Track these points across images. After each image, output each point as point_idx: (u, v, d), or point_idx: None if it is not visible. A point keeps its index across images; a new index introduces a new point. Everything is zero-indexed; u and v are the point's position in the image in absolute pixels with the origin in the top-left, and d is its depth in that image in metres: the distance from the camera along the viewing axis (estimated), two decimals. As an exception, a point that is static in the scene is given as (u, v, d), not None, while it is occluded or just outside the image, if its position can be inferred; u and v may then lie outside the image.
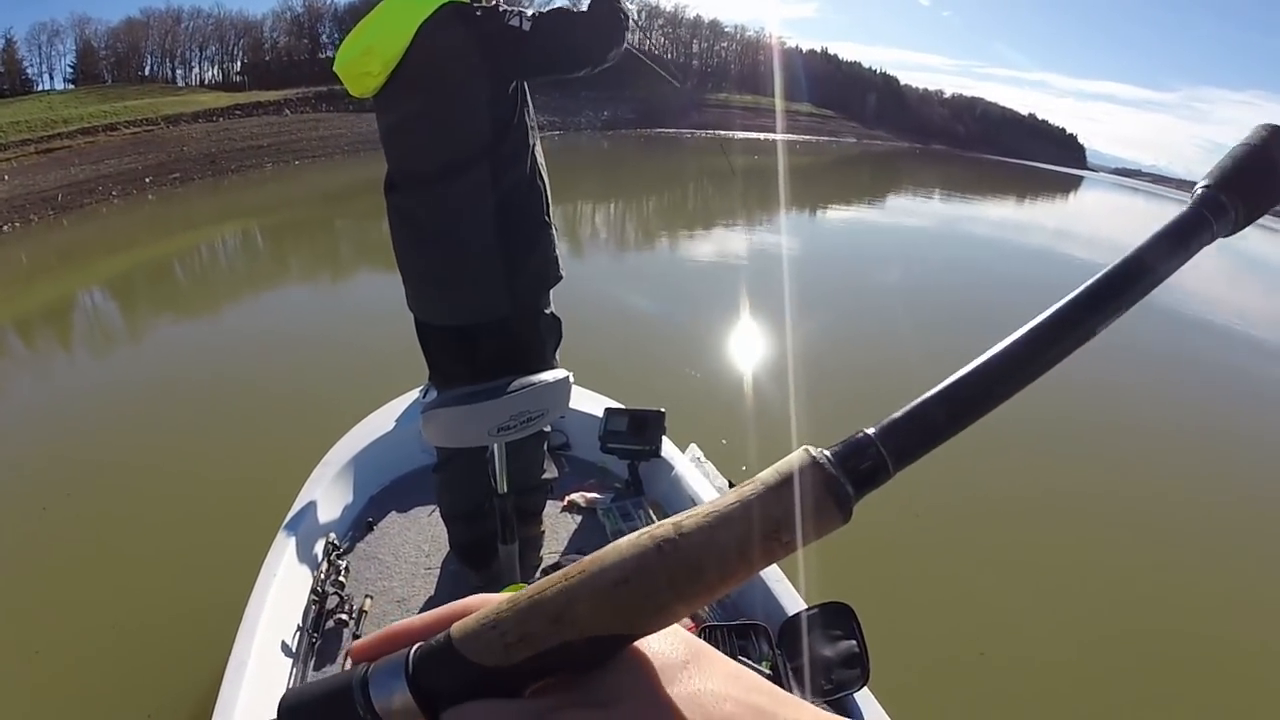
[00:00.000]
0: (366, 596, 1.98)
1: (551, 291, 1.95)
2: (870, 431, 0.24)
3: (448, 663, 0.25)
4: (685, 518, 0.25)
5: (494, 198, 1.76)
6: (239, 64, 44.36)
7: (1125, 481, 4.27)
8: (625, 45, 1.83)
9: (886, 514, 3.12)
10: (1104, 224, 25.58)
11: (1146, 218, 35.27)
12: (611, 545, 0.25)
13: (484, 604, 0.27)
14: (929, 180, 30.85)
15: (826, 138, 56.57)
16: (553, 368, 1.83)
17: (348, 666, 0.28)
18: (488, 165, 1.75)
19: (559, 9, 1.83)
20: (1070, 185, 51.04)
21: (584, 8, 1.84)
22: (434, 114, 1.75)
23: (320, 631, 1.80)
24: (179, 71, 42.20)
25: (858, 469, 0.24)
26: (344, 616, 1.87)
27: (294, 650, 1.72)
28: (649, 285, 8.25)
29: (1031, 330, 0.26)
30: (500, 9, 1.74)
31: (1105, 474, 4.30)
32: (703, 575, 0.24)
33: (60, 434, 4.23)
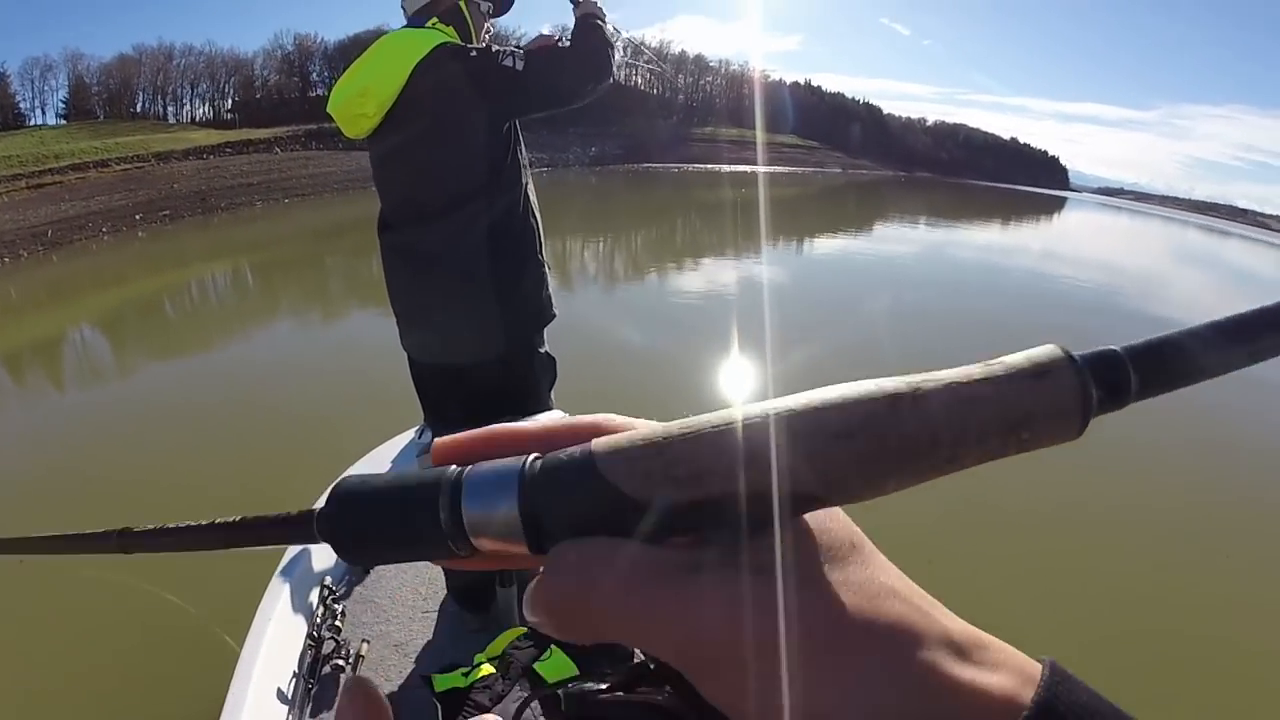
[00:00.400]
0: (363, 641, 1.95)
1: (545, 330, 1.95)
2: (1119, 349, 0.21)
3: (584, 484, 0.21)
4: (923, 380, 0.21)
5: (487, 237, 1.77)
6: (230, 101, 44.93)
7: (1125, 483, 4.31)
8: (611, 77, 1.85)
9: (887, 518, 3.08)
10: (1087, 243, 25.94)
11: (1129, 235, 35.98)
12: (829, 388, 0.21)
13: (624, 426, 0.23)
14: (914, 208, 31.29)
15: (812, 169, 57.44)
16: (548, 408, 1.84)
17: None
18: (481, 204, 1.76)
19: (547, 46, 1.86)
20: (1054, 206, 52.02)
21: (567, 42, 1.87)
22: (428, 154, 1.76)
23: (316, 677, 1.77)
24: (170, 108, 42.67)
25: (1103, 380, 0.21)
26: (340, 662, 1.83)
27: (290, 697, 1.69)
28: (642, 318, 8.25)
29: None
30: (493, 49, 1.76)
31: (1108, 477, 4.30)
32: (935, 450, 0.20)
33: (40, 481, 4.09)
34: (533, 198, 1.87)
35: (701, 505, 0.20)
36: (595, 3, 1.86)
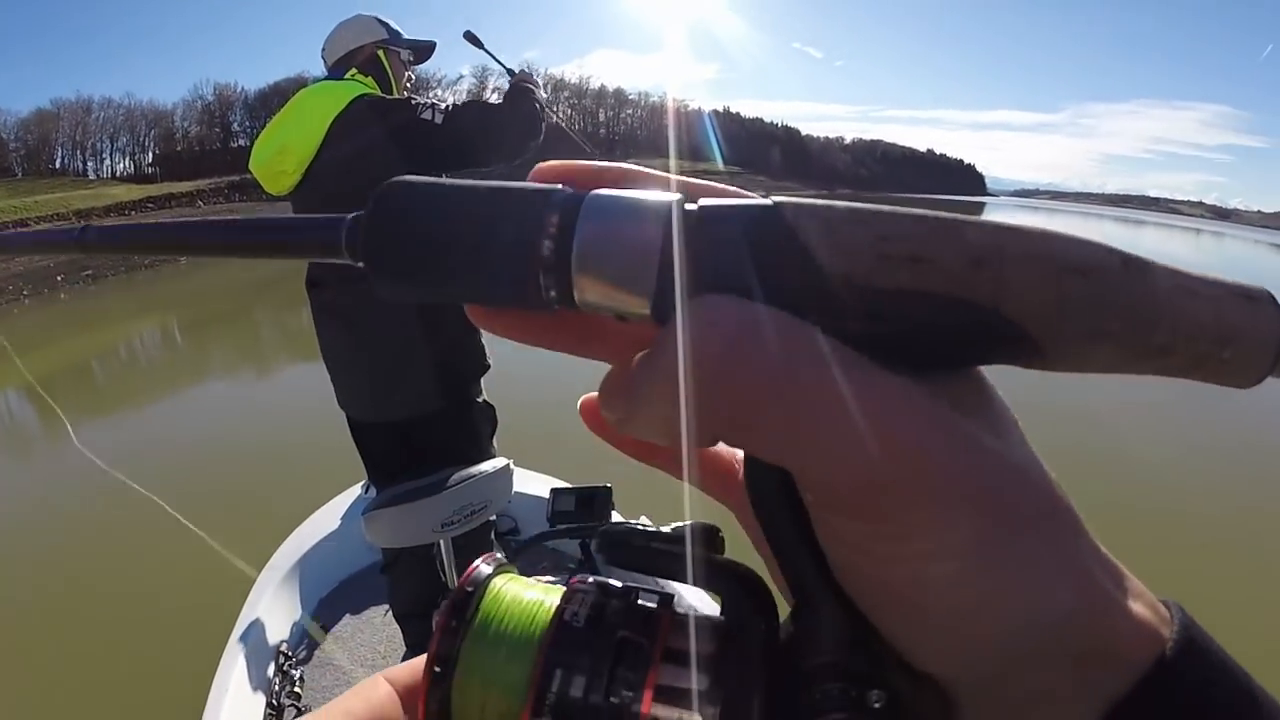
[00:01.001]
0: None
1: (482, 380, 1.93)
2: None
3: (765, 239, 0.16)
4: (1145, 256, 0.18)
5: None
6: (151, 154, 44.48)
7: (1137, 490, 4.33)
8: (540, 138, 1.84)
9: None
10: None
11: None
12: (1062, 232, 0.17)
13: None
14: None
15: (735, 192, 58.63)
16: (491, 456, 1.81)
17: None
18: None
19: (474, 101, 1.86)
20: (971, 212, 53.92)
21: (497, 101, 1.88)
22: (349, 208, 1.96)
23: None
24: (90, 163, 42.16)
25: None
26: None
27: None
28: (578, 359, 8.33)
29: None
30: (412, 101, 1.74)
31: (1116, 484, 4.27)
32: (1154, 329, 0.17)
33: None
34: None
35: (903, 299, 0.16)
36: (530, 72, 1.91)
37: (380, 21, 1.86)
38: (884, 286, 0.16)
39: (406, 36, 1.92)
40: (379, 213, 0.19)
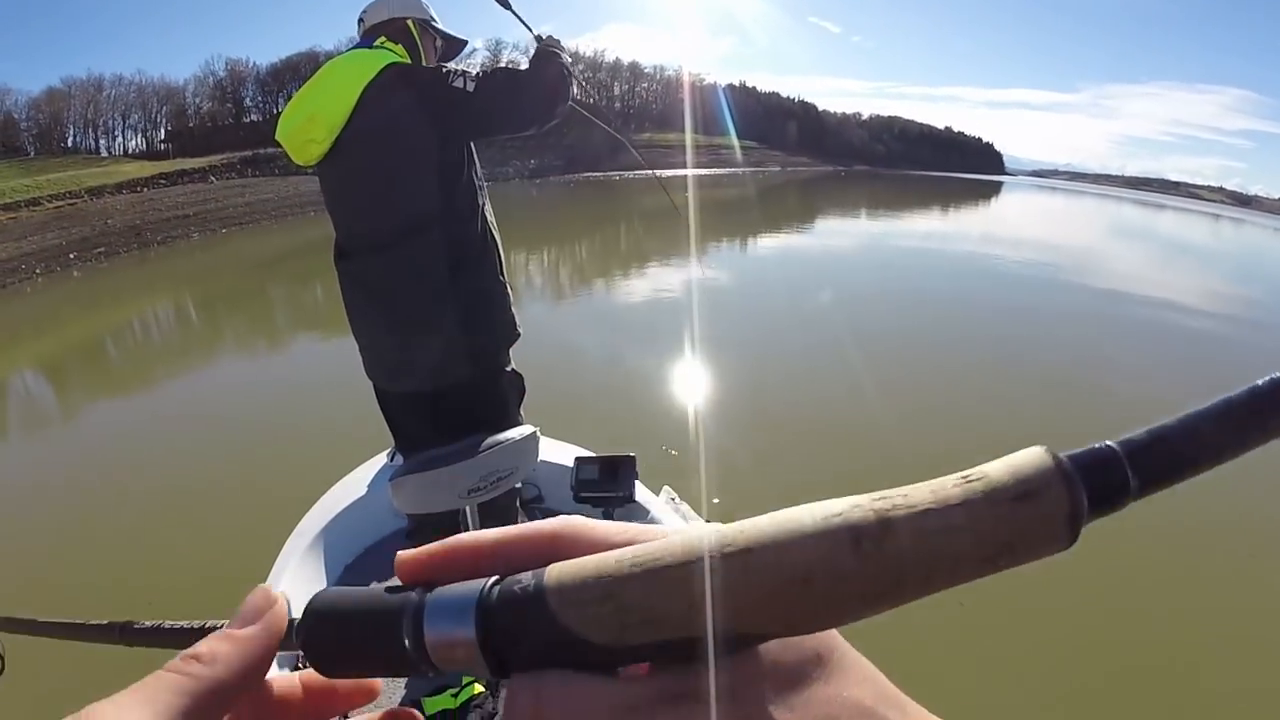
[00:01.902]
0: None
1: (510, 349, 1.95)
2: (1115, 445, 0.19)
3: (537, 621, 0.21)
4: (892, 506, 0.19)
5: (447, 260, 1.73)
6: (163, 131, 44.27)
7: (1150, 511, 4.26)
8: (570, 102, 1.83)
9: None
10: (1027, 222, 26.92)
11: (1069, 214, 37.49)
12: (788, 518, 0.20)
13: (583, 535, 0.23)
14: (856, 201, 32.22)
15: (752, 169, 58.52)
16: (518, 424, 1.81)
17: None
18: (439, 228, 1.72)
19: (501, 68, 1.82)
20: (992, 191, 53.95)
21: (525, 66, 1.83)
22: (381, 178, 1.71)
23: None
24: (102, 141, 41.98)
25: (1098, 486, 0.19)
26: None
27: None
28: (604, 329, 8.26)
29: None
30: (444, 69, 1.73)
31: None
32: (901, 590, 0.19)
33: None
34: (490, 218, 1.84)
35: (656, 647, 0.20)
36: (556, 38, 1.87)
37: (424, 2, 1.89)
38: (631, 644, 0.20)
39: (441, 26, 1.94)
40: (311, 625, 0.24)
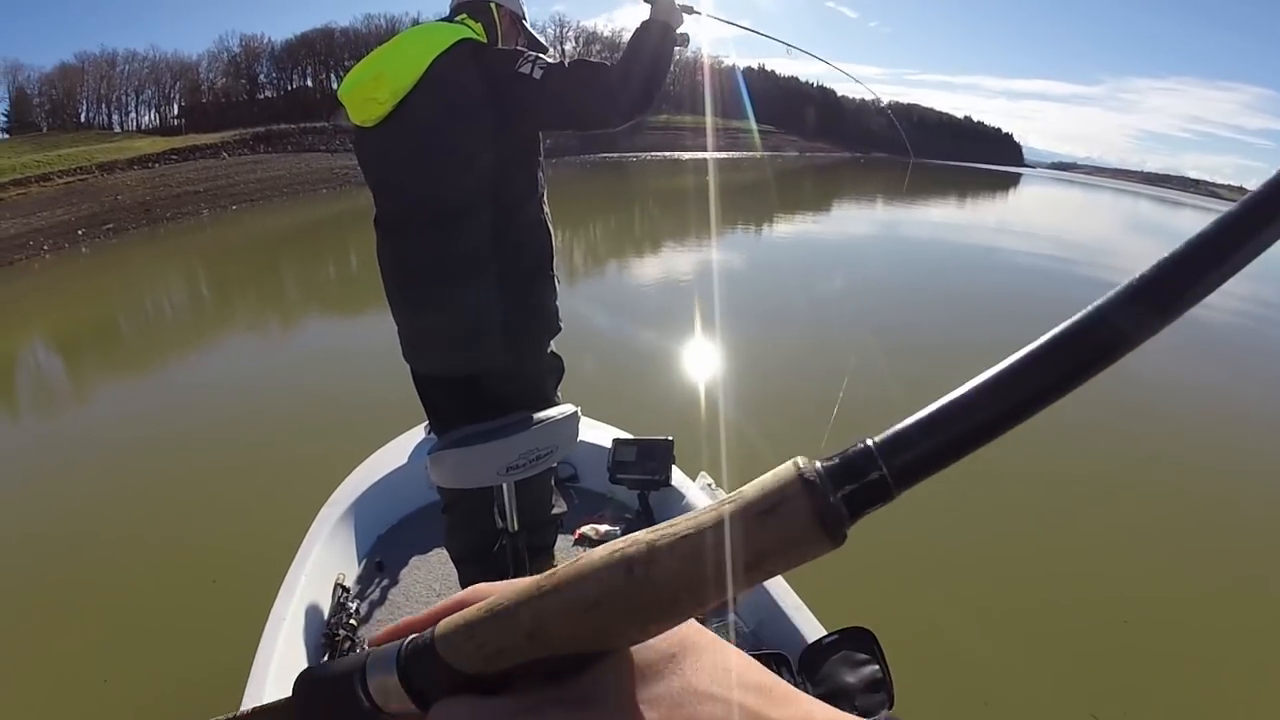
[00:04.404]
0: None
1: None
2: (871, 442, 0.21)
3: (430, 662, 0.26)
4: (660, 536, 0.23)
5: (495, 247, 1.66)
6: (176, 107, 43.93)
7: (1163, 505, 4.04)
8: (654, 103, 1.63)
9: (904, 532, 3.06)
10: (1046, 214, 26.72)
11: (1094, 208, 36.99)
12: (585, 559, 0.24)
13: (484, 596, 0.27)
14: (872, 189, 31.75)
15: (769, 152, 57.79)
16: (556, 403, 1.79)
17: None
18: (489, 212, 1.64)
19: (585, 61, 1.64)
20: (1010, 182, 53.28)
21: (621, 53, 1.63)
22: (436, 152, 1.64)
23: None
24: (115, 117, 41.70)
25: (854, 488, 0.21)
26: None
27: None
28: (644, 312, 8.21)
29: (1079, 324, 0.20)
30: (518, 52, 1.63)
31: (1138, 497, 4.09)
32: (675, 604, 0.23)
33: (47, 490, 4.12)
34: (546, 209, 1.76)
35: (515, 670, 0.25)
36: (676, 6, 1.62)
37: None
38: (496, 670, 0.25)
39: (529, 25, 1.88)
40: (300, 701, 0.29)
